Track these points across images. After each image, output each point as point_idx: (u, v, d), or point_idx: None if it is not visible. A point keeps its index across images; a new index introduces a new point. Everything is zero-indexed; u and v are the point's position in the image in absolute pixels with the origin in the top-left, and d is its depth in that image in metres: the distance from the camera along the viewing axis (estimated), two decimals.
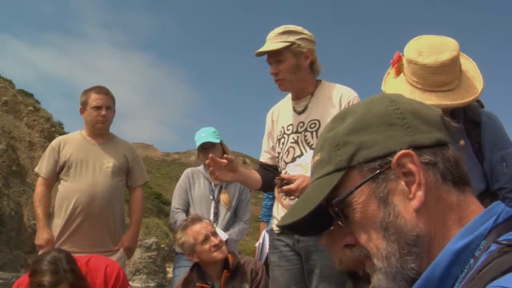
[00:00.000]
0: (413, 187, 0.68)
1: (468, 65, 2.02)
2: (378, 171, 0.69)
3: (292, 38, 2.25)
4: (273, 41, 2.27)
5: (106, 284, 2.46)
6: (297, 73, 2.30)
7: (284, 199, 2.32)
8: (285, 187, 2.09)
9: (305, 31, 2.31)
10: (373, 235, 0.70)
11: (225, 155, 2.29)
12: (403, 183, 0.69)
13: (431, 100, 1.86)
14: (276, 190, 2.18)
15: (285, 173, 2.27)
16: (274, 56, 2.28)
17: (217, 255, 2.56)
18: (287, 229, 0.78)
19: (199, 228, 2.59)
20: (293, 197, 2.29)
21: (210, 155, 2.17)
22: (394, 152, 0.69)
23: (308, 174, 2.16)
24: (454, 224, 0.68)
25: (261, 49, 2.28)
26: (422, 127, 0.71)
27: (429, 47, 1.91)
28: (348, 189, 0.71)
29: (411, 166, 0.68)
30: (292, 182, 2.09)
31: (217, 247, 2.56)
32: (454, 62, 1.89)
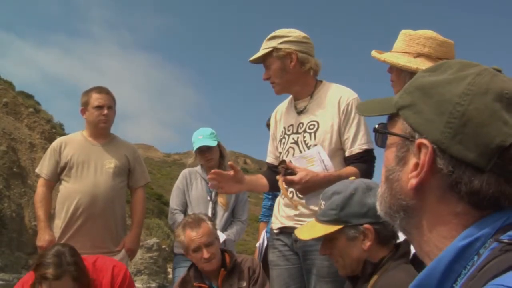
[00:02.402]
0: (414, 172, 0.71)
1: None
2: (408, 135, 0.73)
3: (273, 44, 2.29)
4: (261, 49, 2.35)
5: (112, 284, 2.48)
6: (284, 76, 2.32)
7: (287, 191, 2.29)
8: (288, 177, 2.09)
9: (292, 33, 2.31)
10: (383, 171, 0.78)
11: (229, 163, 2.30)
12: (414, 160, 0.71)
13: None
14: (280, 179, 2.16)
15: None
16: (262, 62, 2.36)
17: (206, 266, 2.56)
18: None
19: (193, 237, 2.56)
20: (290, 196, 2.29)
21: (213, 170, 2.19)
22: (421, 134, 0.70)
23: (313, 168, 2.17)
24: (441, 237, 0.70)
25: (251, 58, 2.37)
26: (467, 140, 0.67)
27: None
28: (393, 124, 0.77)
29: (422, 157, 0.69)
30: (295, 174, 2.09)
31: (207, 260, 2.54)
32: (410, 37, 2.03)
